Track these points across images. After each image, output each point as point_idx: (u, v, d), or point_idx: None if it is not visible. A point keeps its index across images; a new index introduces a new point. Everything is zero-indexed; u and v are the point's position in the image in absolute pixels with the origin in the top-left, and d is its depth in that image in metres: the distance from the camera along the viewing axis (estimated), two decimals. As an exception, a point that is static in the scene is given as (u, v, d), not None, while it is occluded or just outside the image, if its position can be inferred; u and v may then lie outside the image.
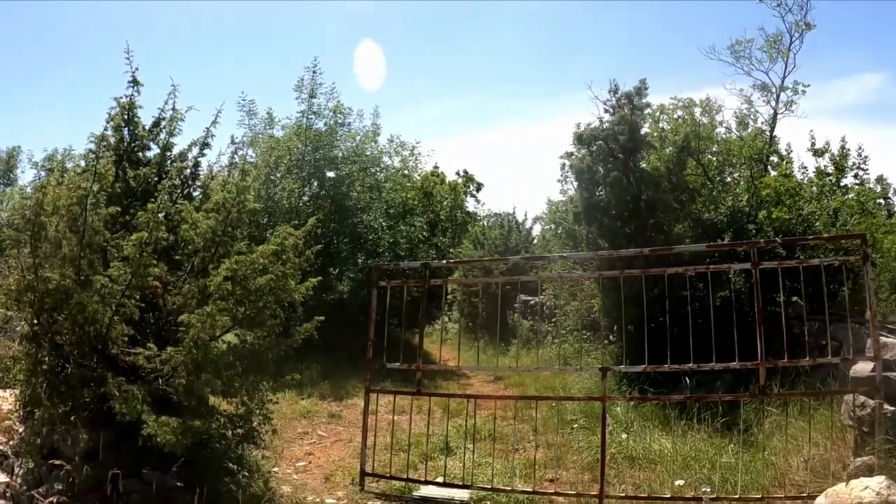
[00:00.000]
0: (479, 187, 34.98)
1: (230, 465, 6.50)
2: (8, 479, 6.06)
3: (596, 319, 15.90)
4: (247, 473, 6.80)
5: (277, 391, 7.04)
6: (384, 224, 16.40)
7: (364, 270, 15.75)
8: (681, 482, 6.84)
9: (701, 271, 7.40)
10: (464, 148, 64.50)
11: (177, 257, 6.30)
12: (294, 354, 6.87)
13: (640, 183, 12.14)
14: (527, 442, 9.17)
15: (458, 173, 33.40)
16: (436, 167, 20.49)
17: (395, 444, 8.06)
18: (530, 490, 6.72)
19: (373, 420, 8.88)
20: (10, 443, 6.52)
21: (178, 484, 5.96)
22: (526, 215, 26.76)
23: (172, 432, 4.87)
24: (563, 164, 17.72)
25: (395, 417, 8.94)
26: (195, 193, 7.25)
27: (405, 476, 7.20)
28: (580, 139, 12.41)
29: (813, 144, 13.86)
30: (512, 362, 16.51)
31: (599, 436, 7.90)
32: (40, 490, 5.67)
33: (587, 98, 14.87)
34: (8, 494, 5.88)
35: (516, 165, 66.53)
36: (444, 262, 7.57)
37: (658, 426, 8.88)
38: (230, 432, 6.41)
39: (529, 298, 20.63)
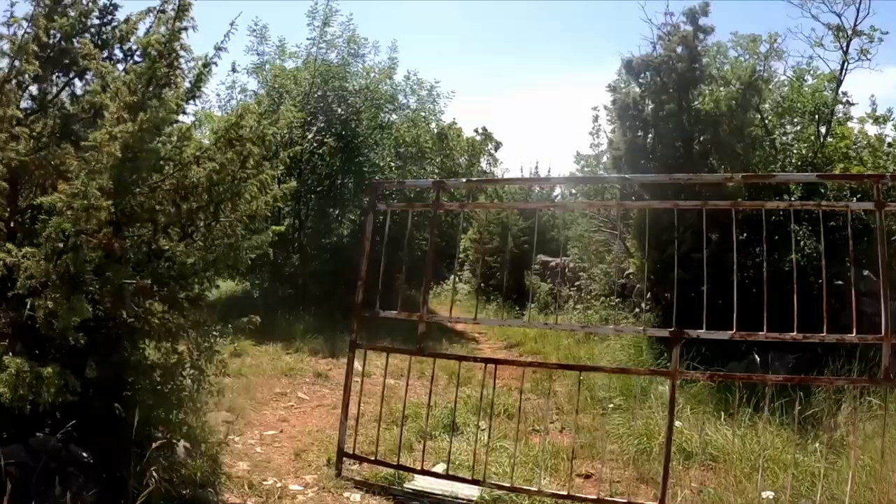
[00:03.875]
0: (497, 146, 32.91)
1: (156, 433, 4.80)
2: None
3: (627, 284, 14.22)
4: (187, 445, 5.12)
5: (227, 335, 5.23)
6: (393, 165, 14.59)
7: (367, 213, 14.02)
8: (769, 494, 5.09)
9: (810, 207, 5.58)
10: (483, 110, 62.40)
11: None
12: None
13: (696, 124, 10.28)
14: (549, 422, 7.51)
15: (476, 131, 31.34)
16: (454, 121, 18.54)
17: (388, 416, 6.41)
18: (563, 493, 4.95)
19: (365, 385, 7.29)
20: None
21: (84, 455, 4.33)
22: (549, 172, 24.84)
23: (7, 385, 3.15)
24: (596, 116, 16.00)
25: (391, 382, 7.30)
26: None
27: (396, 461, 5.43)
28: (629, 68, 10.54)
29: (874, 111, 11.74)
30: (523, 327, 15.00)
31: (650, 422, 6.38)
32: None
33: (638, 23, 12.96)
34: None
35: (538, 129, 64.32)
36: (464, 180, 5.70)
37: (713, 412, 7.16)
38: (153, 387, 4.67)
39: (550, 259, 18.87)
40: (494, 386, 5.87)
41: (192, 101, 4.66)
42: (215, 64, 4.72)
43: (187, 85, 4.53)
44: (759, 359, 8.05)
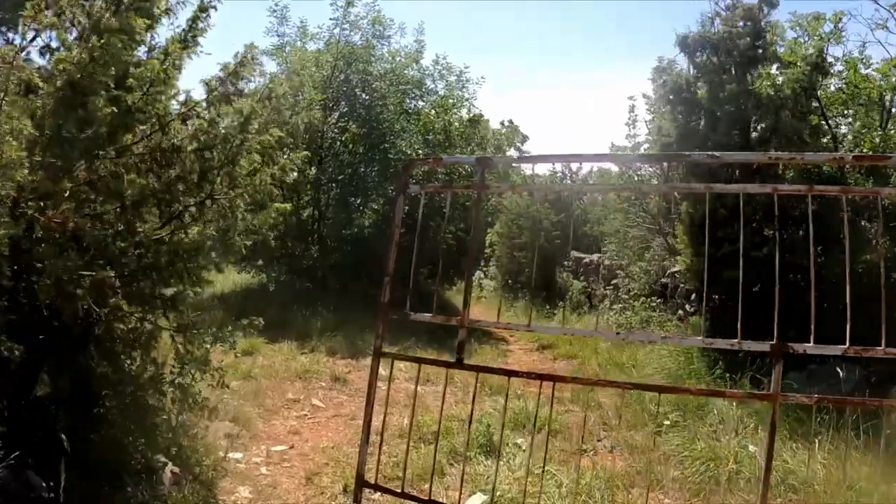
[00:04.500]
0: (524, 139, 31.87)
1: (137, 455, 3.96)
2: None
3: (669, 284, 13.25)
4: (175, 469, 4.26)
5: (224, 340, 4.37)
6: (421, 152, 13.68)
7: (392, 203, 13.11)
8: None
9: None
10: (507, 105, 61.30)
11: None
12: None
13: (756, 108, 9.27)
14: (596, 440, 6.61)
15: (502, 123, 30.34)
16: (480, 113, 17.58)
17: (415, 432, 5.54)
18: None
19: (388, 390, 6.40)
20: None
21: (43, 486, 3.50)
22: (581, 166, 23.70)
23: None
24: (632, 106, 14.96)
25: (419, 388, 6.42)
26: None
27: (427, 496, 4.45)
28: (684, 45, 9.53)
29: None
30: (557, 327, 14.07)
31: (715, 444, 5.47)
32: None
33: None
34: None
35: (564, 125, 63.02)
36: (516, 155, 4.73)
37: (787, 433, 6.21)
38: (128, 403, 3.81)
39: (583, 256, 17.89)
40: (550, 405, 4.95)
41: (187, 54, 3.78)
42: (214, 8, 3.86)
43: (178, 31, 3.65)
44: (843, 373, 7.03)
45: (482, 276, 22.86)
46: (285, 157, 4.00)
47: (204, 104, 3.21)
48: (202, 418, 4.58)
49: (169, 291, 3.40)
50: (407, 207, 5.77)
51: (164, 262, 3.16)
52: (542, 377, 3.99)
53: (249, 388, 7.51)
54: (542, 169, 31.14)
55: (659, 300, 12.92)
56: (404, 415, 6.86)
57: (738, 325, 3.70)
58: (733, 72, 9.23)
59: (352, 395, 7.87)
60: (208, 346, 4.09)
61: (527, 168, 19.38)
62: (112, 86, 2.70)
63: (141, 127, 2.96)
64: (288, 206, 4.81)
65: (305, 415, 7.01)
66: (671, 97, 9.91)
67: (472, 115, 15.89)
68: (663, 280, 13.48)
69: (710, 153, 4.02)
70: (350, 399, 7.70)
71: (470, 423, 4.49)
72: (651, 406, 7.15)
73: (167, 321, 3.49)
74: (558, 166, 21.33)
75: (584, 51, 64.48)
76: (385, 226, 12.79)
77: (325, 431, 6.55)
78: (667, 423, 6.83)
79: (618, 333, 3.43)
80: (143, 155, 2.98)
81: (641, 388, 5.12)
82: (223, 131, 3.21)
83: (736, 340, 3.79)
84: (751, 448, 5.94)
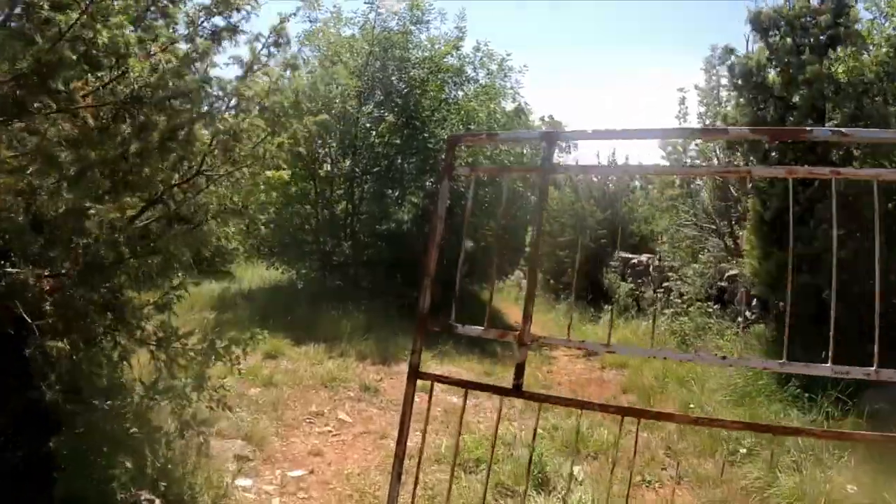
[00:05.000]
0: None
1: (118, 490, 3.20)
2: None
3: (727, 288, 12.26)
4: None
5: (213, 357, 3.58)
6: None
7: (432, 196, 12.30)
8: None
9: None
10: (548, 100, 60.16)
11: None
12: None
13: (836, 93, 8.28)
14: (660, 468, 5.75)
15: (542, 119, 29.31)
16: (525, 103, 16.65)
17: (459, 460, 4.75)
18: None
19: (424, 403, 5.61)
20: None
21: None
22: (627, 160, 22.43)
23: None
24: (683, 98, 14.01)
25: (454, 400, 5.67)
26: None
27: None
28: (756, 22, 8.57)
29: None
30: (603, 333, 13.15)
31: (799, 477, 4.64)
32: None
33: None
34: None
35: (610, 123, 61.70)
36: (590, 130, 3.91)
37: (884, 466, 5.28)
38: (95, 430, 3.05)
39: (631, 256, 16.88)
40: (599, 423, 4.13)
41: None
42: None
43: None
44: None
45: (521, 275, 21.95)
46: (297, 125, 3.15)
47: (183, 43, 2.42)
48: (203, 443, 3.80)
49: (116, 296, 2.62)
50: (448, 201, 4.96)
51: (134, 259, 2.38)
52: (622, 411, 3.12)
53: (269, 397, 6.78)
54: (586, 160, 30.15)
55: (716, 305, 11.95)
56: (441, 433, 6.07)
57: (875, 349, 2.80)
58: (812, 53, 8.23)
59: (383, 407, 7.08)
60: (204, 361, 3.30)
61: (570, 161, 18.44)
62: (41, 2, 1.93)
63: (86, 66, 2.19)
64: (286, 174, 3.95)
65: (329, 431, 6.23)
66: (739, 82, 8.95)
67: (516, 104, 14.99)
68: (720, 284, 12.49)
69: (835, 129, 3.14)
70: (380, 413, 6.91)
71: (529, 464, 3.64)
72: (723, 432, 6.25)
73: (137, 335, 2.72)
74: (604, 157, 20.26)
75: (627, 46, 63.16)
76: (424, 221, 12.01)
77: (350, 452, 5.76)
78: (742, 450, 5.94)
79: (724, 358, 2.63)
80: (90, 107, 2.21)
81: (750, 427, 4.21)
82: (206, 82, 2.40)
83: (872, 369, 2.86)
84: (849, 488, 5.03)
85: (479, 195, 11.74)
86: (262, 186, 3.28)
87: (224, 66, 2.66)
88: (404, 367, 9.07)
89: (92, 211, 2.21)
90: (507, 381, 2.77)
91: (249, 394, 6.89)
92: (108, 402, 2.88)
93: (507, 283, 21.41)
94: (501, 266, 19.49)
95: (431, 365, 9.03)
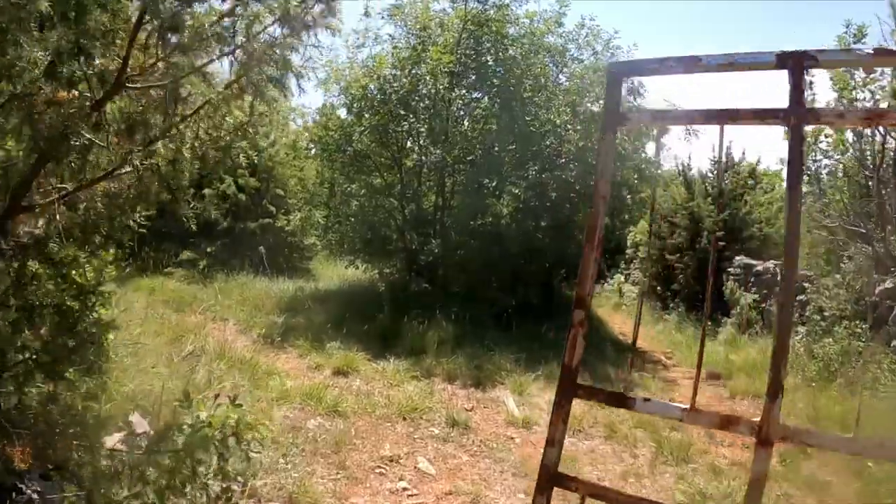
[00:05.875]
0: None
1: None
2: None
3: (880, 304, 10.23)
4: None
5: None
6: (571, 129, 11.10)
7: (536, 187, 10.68)
8: None
9: None
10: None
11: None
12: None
13: None
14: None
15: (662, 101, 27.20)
16: (640, 83, 14.69)
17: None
18: None
19: (526, 444, 4.13)
20: None
21: None
22: (744, 154, 19.71)
23: None
24: (811, 82, 11.92)
25: (567, 440, 4.13)
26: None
27: None
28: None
29: None
30: (727, 350, 11.41)
31: None
32: None
33: None
34: None
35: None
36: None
37: None
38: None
39: (754, 263, 14.77)
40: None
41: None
42: None
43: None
44: None
45: (622, 280, 20.07)
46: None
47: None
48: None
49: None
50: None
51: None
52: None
53: (331, 432, 5.36)
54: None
55: (866, 325, 9.95)
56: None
57: None
58: None
59: (475, 453, 5.52)
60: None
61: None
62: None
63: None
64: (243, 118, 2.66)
65: (405, 489, 4.69)
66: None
67: (630, 84, 13.08)
68: (871, 299, 10.45)
69: None
70: (472, 461, 5.34)
71: None
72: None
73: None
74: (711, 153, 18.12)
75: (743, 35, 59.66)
76: (526, 216, 10.44)
77: (435, 528, 4.25)
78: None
79: None
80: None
81: None
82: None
83: None
84: None
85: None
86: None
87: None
88: (500, 393, 7.52)
89: None
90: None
91: (307, 426, 5.48)
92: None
93: (604, 287, 19.62)
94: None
95: (533, 390, 7.46)
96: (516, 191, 10.88)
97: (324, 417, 5.75)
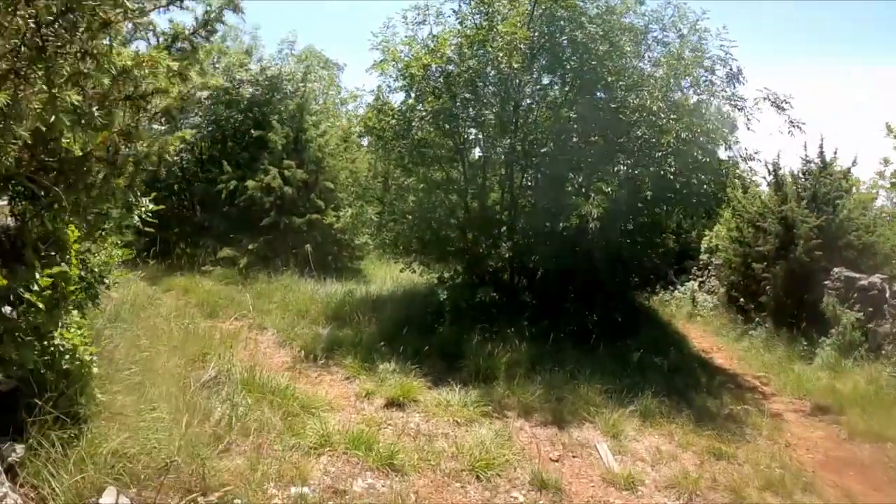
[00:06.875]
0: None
1: None
2: None
3: None
4: None
5: None
6: (664, 116, 9.53)
7: (627, 184, 9.20)
8: None
9: None
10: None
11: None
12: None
13: None
14: None
15: (761, 90, 25.25)
16: (739, 69, 13.04)
17: None
18: None
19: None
20: None
21: None
22: (836, 153, 17.56)
23: None
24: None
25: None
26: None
27: None
28: None
29: None
30: (830, 376, 9.99)
31: None
32: None
33: None
34: None
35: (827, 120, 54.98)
36: None
37: None
38: None
39: (857, 276, 13.09)
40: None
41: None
42: None
43: None
44: None
45: (695, 287, 18.45)
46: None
47: None
48: None
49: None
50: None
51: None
52: None
53: (384, 499, 4.08)
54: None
55: None
56: None
57: None
58: None
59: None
60: None
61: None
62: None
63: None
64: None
65: None
66: None
67: (727, 69, 11.51)
68: None
69: None
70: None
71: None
72: None
73: None
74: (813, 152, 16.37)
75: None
76: (617, 215, 9.05)
77: None
78: None
79: None
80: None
81: None
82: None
83: None
84: None
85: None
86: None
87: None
88: (589, 435, 6.03)
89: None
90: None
91: (353, 489, 4.21)
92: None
93: (673, 295, 18.07)
94: (662, 273, 16.23)
95: (629, 432, 6.09)
96: (607, 189, 9.40)
97: (375, 474, 4.50)
